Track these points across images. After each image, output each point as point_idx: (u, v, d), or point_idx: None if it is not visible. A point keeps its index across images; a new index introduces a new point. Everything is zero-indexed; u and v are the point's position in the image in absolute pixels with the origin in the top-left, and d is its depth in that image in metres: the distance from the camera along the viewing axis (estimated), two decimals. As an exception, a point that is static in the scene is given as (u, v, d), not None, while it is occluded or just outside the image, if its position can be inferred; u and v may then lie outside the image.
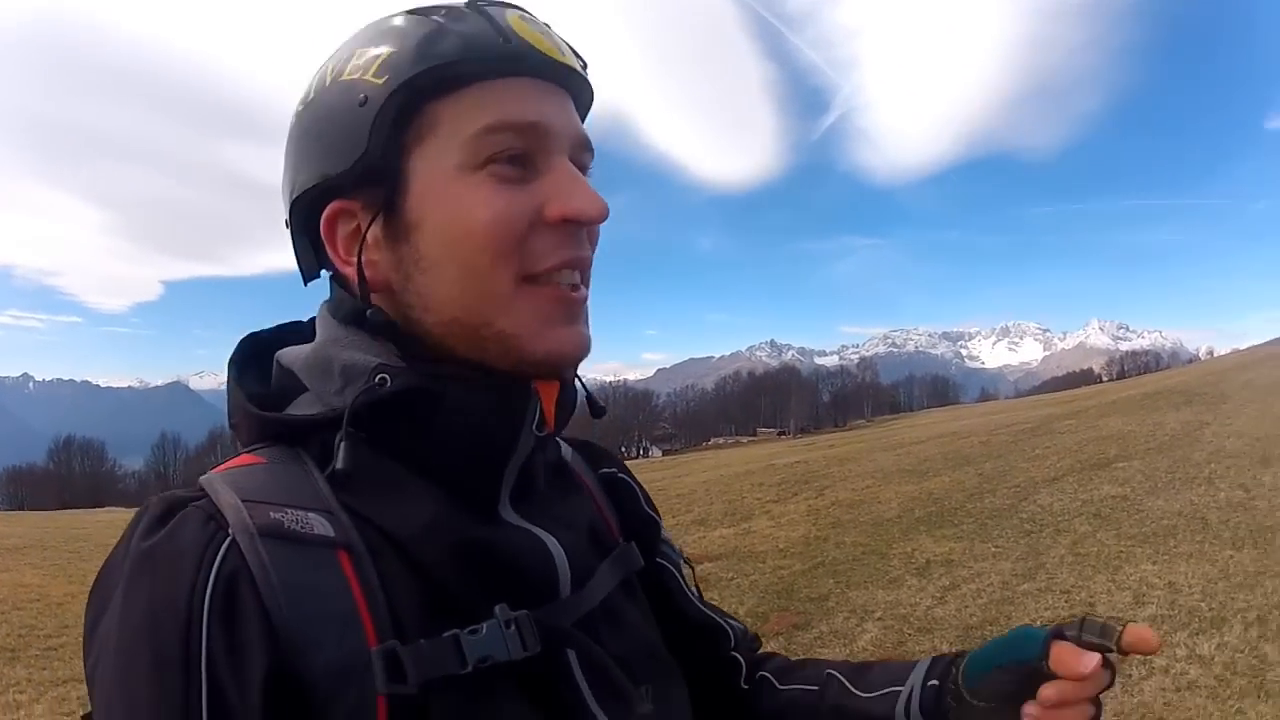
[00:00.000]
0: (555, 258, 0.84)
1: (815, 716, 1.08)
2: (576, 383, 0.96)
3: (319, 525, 0.76)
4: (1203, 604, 6.70)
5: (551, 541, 0.87)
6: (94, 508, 56.95)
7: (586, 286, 0.89)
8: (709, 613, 1.15)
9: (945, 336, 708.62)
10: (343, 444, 0.79)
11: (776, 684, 1.15)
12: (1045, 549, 8.88)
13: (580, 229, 0.86)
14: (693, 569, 1.15)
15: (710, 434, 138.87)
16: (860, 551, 9.82)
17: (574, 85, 0.90)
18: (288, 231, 0.92)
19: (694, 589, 1.14)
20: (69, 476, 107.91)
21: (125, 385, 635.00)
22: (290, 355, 0.92)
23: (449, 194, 0.82)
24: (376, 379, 0.82)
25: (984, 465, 14.84)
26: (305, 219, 0.89)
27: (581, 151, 0.89)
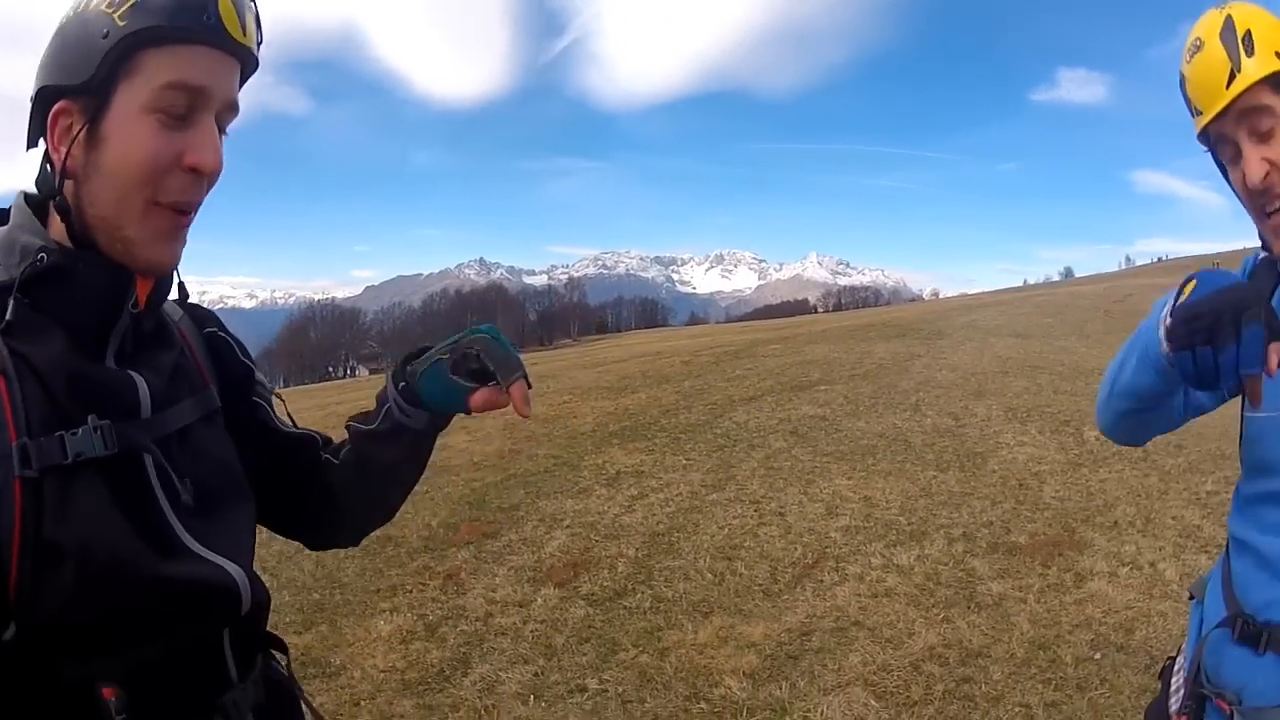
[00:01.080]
0: (178, 195, 1.24)
1: (340, 457, 1.62)
2: (175, 275, 1.38)
3: None
4: (901, 518, 7.12)
5: (138, 378, 1.27)
6: None
7: (192, 215, 1.29)
8: (299, 430, 1.65)
9: (657, 260, 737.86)
10: (10, 302, 1.18)
11: (334, 459, 1.62)
12: (737, 462, 9.25)
13: (202, 176, 1.25)
14: (283, 401, 1.66)
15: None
16: (552, 464, 10.04)
17: (244, 58, 1.28)
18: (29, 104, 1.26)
19: (286, 416, 1.64)
20: None
21: None
22: None
23: (129, 126, 1.19)
24: (38, 257, 1.21)
25: (683, 384, 15.19)
26: (44, 104, 1.23)
27: (227, 111, 1.28)
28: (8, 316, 1.15)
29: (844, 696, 4.63)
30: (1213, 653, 1.82)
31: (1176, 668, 2.09)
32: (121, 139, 1.18)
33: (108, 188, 1.19)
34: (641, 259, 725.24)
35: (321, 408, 18.67)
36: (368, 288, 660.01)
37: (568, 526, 7.58)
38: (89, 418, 1.15)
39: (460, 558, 6.94)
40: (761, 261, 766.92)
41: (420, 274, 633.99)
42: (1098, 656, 4.82)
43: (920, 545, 6.43)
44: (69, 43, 1.19)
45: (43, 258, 1.20)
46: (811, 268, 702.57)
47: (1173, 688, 2.05)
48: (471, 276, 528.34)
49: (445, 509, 8.35)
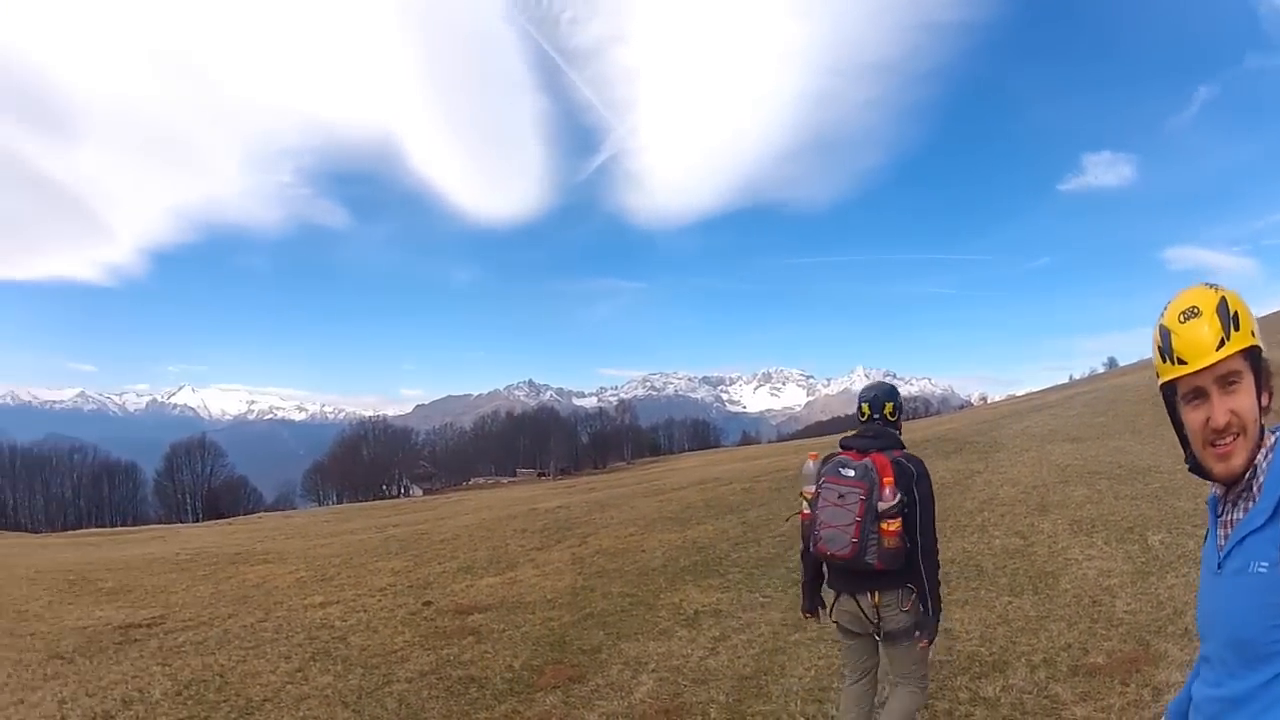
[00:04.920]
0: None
1: None
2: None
3: None
4: (982, 649, 7.19)
5: None
6: None
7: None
8: None
9: (705, 381, 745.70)
10: None
11: None
12: (815, 599, 9.13)
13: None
14: None
15: (470, 473, 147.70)
16: (628, 602, 10.08)
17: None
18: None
19: None
20: None
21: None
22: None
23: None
24: None
25: (748, 514, 15.30)
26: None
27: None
28: None
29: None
30: None
31: None
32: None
33: None
34: (689, 379, 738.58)
35: (380, 529, 18.53)
36: (417, 406, 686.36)
37: (653, 670, 7.57)
38: None
39: (548, 703, 6.89)
40: (809, 378, 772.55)
41: (469, 394, 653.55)
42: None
43: (1004, 675, 6.49)
44: None
45: None
46: (859, 381, 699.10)
47: None
48: (521, 398, 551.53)
49: (526, 649, 8.31)
